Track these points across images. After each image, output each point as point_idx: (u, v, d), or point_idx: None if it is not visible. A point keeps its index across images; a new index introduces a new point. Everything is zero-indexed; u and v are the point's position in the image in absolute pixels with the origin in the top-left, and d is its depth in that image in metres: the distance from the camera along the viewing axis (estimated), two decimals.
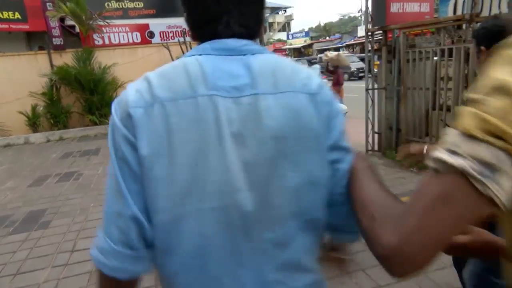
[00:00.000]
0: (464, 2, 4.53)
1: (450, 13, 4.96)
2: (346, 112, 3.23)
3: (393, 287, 2.16)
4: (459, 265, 1.92)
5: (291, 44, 37.09)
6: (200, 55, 0.68)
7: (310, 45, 34.21)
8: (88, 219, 3.62)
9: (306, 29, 48.15)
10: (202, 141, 0.62)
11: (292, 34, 42.09)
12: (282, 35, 43.39)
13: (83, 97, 9.07)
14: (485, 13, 4.14)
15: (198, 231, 0.62)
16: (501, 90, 0.46)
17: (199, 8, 0.71)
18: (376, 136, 5.42)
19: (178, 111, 0.62)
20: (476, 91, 0.48)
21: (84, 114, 9.07)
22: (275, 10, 46.67)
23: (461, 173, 0.44)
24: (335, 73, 6.69)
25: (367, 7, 5.17)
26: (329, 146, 0.68)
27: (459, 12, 4.69)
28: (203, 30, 0.71)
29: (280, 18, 47.01)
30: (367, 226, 0.56)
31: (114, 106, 0.65)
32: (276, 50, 31.90)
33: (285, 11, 48.36)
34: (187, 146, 0.61)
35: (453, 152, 0.45)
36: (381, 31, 5.14)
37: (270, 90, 0.65)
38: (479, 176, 0.43)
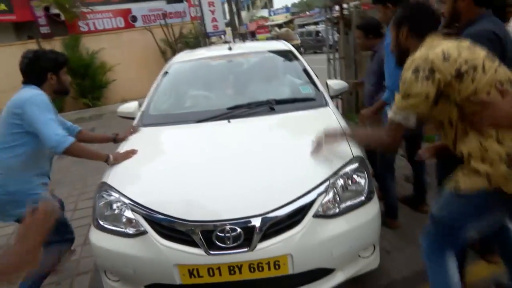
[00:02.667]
0: None
1: None
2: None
3: None
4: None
5: (273, 21, 36.42)
6: None
7: (291, 21, 33.66)
8: (86, 185, 3.98)
9: (289, 5, 46.90)
10: None
11: (273, 11, 41.20)
12: (265, 12, 42.45)
13: (75, 82, 9.15)
14: None
15: None
16: (416, 67, 1.30)
17: None
18: (339, 101, 5.78)
19: None
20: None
21: (78, 98, 9.21)
22: None
23: (395, 120, 1.40)
24: None
25: None
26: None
27: None
28: None
29: None
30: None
31: None
32: (259, 28, 31.29)
33: None
34: None
35: (393, 114, 1.40)
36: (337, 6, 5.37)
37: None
38: (402, 121, 1.37)
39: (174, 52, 10.01)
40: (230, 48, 3.12)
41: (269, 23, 35.02)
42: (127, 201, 1.62)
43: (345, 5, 5.38)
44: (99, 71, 9.34)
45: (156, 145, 2.22)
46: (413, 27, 1.43)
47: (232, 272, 1.48)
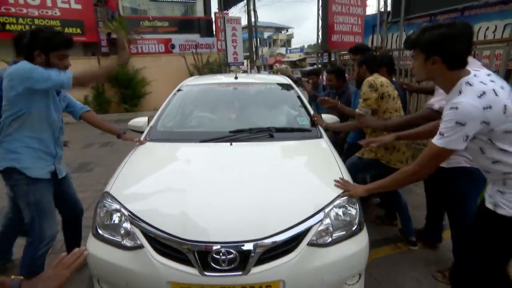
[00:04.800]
0: (377, 38, 5.35)
1: (368, 44, 5.82)
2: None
3: None
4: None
5: (288, 58, 37.60)
6: None
7: (304, 59, 34.73)
8: (116, 168, 4.56)
9: (306, 46, 48.31)
10: None
11: (290, 50, 42.52)
12: (283, 50, 43.83)
13: (120, 91, 10.03)
14: (388, 46, 4.97)
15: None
16: (370, 85, 2.19)
17: None
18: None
19: None
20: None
21: (120, 103, 10.05)
22: (279, 29, 46.96)
23: (360, 112, 2.24)
24: None
25: (317, 36, 6.01)
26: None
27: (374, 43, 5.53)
28: None
29: (282, 36, 47.35)
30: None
31: None
32: (276, 61, 32.49)
33: (287, 30, 48.67)
34: None
35: (358, 109, 2.25)
36: (327, 53, 5.99)
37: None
38: (364, 112, 2.20)
39: (200, 75, 10.83)
40: (236, 77, 2.98)
41: (285, 59, 36.15)
42: (126, 212, 1.47)
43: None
44: (139, 84, 10.18)
45: (161, 160, 2.01)
46: (369, 67, 2.34)
47: None
